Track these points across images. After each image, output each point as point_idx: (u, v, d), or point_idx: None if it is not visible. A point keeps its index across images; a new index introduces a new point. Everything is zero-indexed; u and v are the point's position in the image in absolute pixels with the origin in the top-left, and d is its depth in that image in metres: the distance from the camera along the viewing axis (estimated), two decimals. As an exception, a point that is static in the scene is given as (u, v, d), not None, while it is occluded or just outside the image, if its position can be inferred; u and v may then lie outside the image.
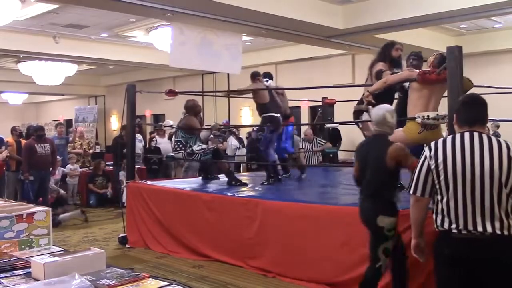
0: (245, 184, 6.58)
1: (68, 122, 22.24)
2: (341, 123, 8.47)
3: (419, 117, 4.46)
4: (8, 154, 6.00)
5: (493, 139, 2.59)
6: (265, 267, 5.00)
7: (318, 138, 9.42)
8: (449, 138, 2.67)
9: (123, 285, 1.73)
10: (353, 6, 9.37)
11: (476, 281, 2.52)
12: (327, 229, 4.55)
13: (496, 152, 2.52)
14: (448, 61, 4.17)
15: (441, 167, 2.59)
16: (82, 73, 17.45)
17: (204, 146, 6.85)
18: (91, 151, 11.57)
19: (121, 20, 10.55)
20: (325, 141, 9.46)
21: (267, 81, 7.12)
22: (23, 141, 8.89)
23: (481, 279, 2.51)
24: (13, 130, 9.13)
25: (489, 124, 10.05)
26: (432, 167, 2.63)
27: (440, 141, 2.69)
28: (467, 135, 2.60)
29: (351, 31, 9.65)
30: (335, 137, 9.58)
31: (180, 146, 6.63)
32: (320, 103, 9.79)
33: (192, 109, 6.92)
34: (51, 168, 8.71)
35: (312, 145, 9.30)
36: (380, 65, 5.20)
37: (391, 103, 4.93)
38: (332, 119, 10.31)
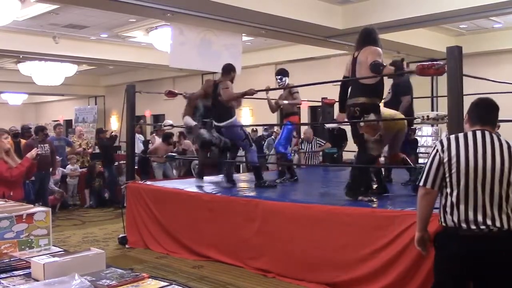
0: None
1: (68, 123, 22.25)
2: (352, 122, 7.51)
3: (419, 117, 4.46)
4: (39, 152, 6.00)
5: (502, 139, 2.71)
6: (265, 267, 4.99)
7: (317, 139, 9.40)
8: (461, 135, 2.76)
9: (123, 286, 1.72)
10: (352, 6, 9.38)
11: (482, 275, 2.60)
12: (327, 229, 4.55)
13: (506, 151, 2.65)
14: (448, 61, 4.16)
15: (453, 160, 2.67)
16: (82, 74, 17.47)
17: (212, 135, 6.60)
18: (90, 151, 11.56)
19: (121, 20, 10.55)
20: (324, 142, 9.45)
21: (280, 79, 6.76)
22: (23, 141, 8.89)
23: (488, 273, 2.59)
24: (9, 131, 9.10)
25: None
26: (445, 160, 2.70)
27: (453, 136, 2.77)
28: (479, 133, 2.72)
29: (351, 31, 9.63)
30: (340, 138, 9.47)
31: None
32: (320, 103, 9.78)
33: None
34: (50, 169, 8.71)
35: (312, 145, 9.28)
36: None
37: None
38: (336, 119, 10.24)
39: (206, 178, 6.94)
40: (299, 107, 12.57)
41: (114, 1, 7.46)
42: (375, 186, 5.52)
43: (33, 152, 5.48)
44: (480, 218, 2.60)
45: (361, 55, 4.80)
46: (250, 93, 6.08)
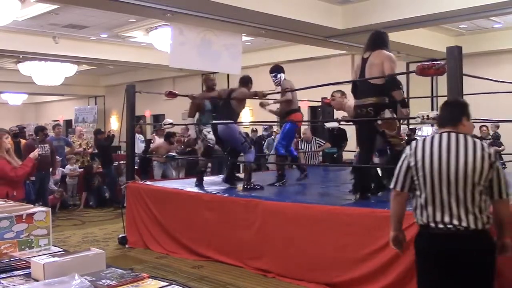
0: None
1: (68, 123, 22.27)
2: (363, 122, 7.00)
3: (418, 117, 4.45)
4: (39, 153, 6.04)
5: (469, 139, 2.73)
6: (265, 267, 4.99)
7: (317, 139, 9.39)
8: (428, 138, 2.83)
9: (123, 286, 1.72)
10: (352, 6, 9.37)
11: (453, 273, 2.66)
12: (327, 229, 4.55)
13: (470, 152, 2.67)
14: (448, 61, 4.16)
15: (419, 164, 2.76)
16: (81, 74, 17.47)
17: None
18: (90, 151, 11.56)
19: (121, 20, 10.56)
20: (324, 141, 9.44)
21: (275, 76, 6.55)
22: (22, 141, 8.89)
23: (458, 271, 2.65)
24: (10, 131, 9.10)
25: (489, 124, 10.13)
26: (411, 164, 2.80)
27: (420, 140, 2.86)
28: (445, 135, 2.77)
29: (351, 31, 9.65)
30: (340, 138, 9.46)
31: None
32: (320, 103, 9.78)
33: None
34: (50, 169, 8.71)
35: (311, 145, 9.28)
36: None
37: None
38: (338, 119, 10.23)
39: (206, 178, 6.95)
40: (299, 106, 12.50)
41: (114, 1, 7.46)
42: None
43: (36, 152, 5.52)
44: (447, 218, 2.67)
45: (374, 57, 4.79)
46: (260, 94, 6.12)
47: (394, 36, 10.05)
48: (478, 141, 2.74)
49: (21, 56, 13.14)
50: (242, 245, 5.25)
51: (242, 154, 6.50)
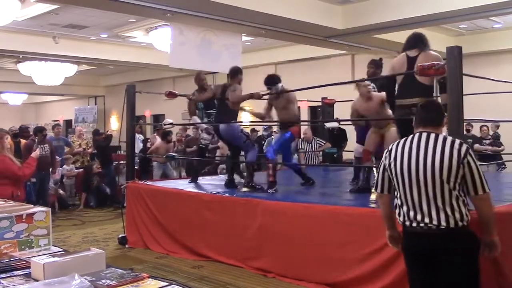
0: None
1: (68, 123, 22.27)
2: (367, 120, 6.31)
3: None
4: (40, 153, 6.10)
5: (440, 137, 2.75)
6: (265, 267, 4.99)
7: (317, 139, 9.39)
8: (402, 140, 2.89)
9: (123, 286, 1.72)
10: (352, 6, 9.38)
11: (431, 270, 2.72)
12: (327, 229, 4.55)
13: (439, 150, 2.69)
14: (448, 61, 4.16)
15: (392, 165, 2.84)
16: (81, 74, 17.46)
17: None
18: (90, 151, 11.56)
19: (120, 20, 10.56)
20: (324, 142, 9.44)
21: (269, 88, 6.02)
22: (22, 141, 8.89)
23: (435, 268, 2.70)
24: (9, 130, 9.10)
25: (489, 124, 10.12)
26: (386, 166, 2.89)
27: (395, 142, 2.92)
28: (417, 135, 2.82)
29: (351, 31, 9.66)
30: (340, 138, 9.46)
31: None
32: (320, 103, 9.78)
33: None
34: (50, 169, 8.71)
35: (312, 145, 9.28)
36: None
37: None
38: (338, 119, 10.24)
39: (205, 178, 6.95)
40: (299, 107, 12.57)
41: (114, 1, 7.46)
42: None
43: (38, 152, 5.55)
44: (419, 217, 2.72)
45: (425, 58, 4.50)
46: (256, 96, 6.03)
47: (394, 36, 10.11)
48: (449, 138, 2.75)
49: (21, 56, 13.13)
50: (242, 245, 5.25)
51: (243, 153, 6.49)
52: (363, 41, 10.51)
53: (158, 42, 11.13)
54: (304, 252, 4.68)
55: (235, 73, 6.24)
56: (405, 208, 2.78)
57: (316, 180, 6.79)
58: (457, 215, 2.65)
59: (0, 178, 5.01)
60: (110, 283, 1.72)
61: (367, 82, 5.77)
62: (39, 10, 9.60)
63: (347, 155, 9.98)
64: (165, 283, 1.75)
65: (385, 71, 6.16)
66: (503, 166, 9.61)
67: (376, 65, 6.23)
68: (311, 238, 4.65)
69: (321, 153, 9.49)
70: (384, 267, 4.09)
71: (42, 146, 8.20)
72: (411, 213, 2.75)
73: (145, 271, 2.04)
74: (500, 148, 9.88)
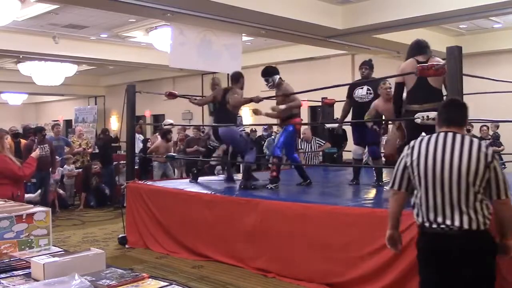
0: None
1: (68, 123, 22.26)
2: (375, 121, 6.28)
3: (419, 117, 4.45)
4: (40, 154, 6.11)
5: (467, 139, 2.71)
6: (265, 267, 4.99)
7: (317, 139, 9.39)
8: (426, 138, 2.82)
9: (123, 286, 1.72)
10: (352, 6, 9.38)
11: (448, 272, 2.67)
12: (327, 229, 4.55)
13: (466, 152, 2.65)
14: (448, 61, 4.16)
15: (415, 164, 2.77)
16: (81, 74, 17.46)
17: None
18: (90, 151, 11.56)
19: (120, 20, 10.56)
20: (324, 141, 9.44)
21: (266, 80, 6.10)
22: (23, 141, 8.89)
23: (452, 270, 2.66)
24: (9, 130, 9.10)
25: (489, 124, 10.13)
26: (408, 164, 2.82)
27: (418, 140, 2.85)
28: (442, 135, 2.77)
29: (351, 31, 9.66)
30: (340, 138, 9.44)
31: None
32: (320, 103, 9.78)
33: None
34: (50, 169, 8.71)
35: (311, 145, 9.28)
36: None
37: None
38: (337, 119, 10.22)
39: (206, 178, 6.96)
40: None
41: (114, 1, 7.46)
42: None
43: (38, 152, 5.56)
44: (440, 219, 2.68)
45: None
46: (256, 100, 6.05)
47: (394, 36, 10.12)
48: (476, 141, 2.72)
49: (21, 56, 13.13)
50: (242, 245, 5.24)
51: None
52: (363, 41, 10.51)
53: (158, 42, 11.13)
54: (304, 252, 4.68)
55: (237, 78, 6.35)
56: (424, 208, 2.73)
57: (316, 180, 6.79)
58: (480, 218, 2.63)
59: (0, 178, 5.01)
60: (110, 283, 1.72)
61: (388, 84, 5.80)
62: (39, 10, 9.59)
63: (347, 155, 9.97)
64: (165, 283, 1.75)
65: (382, 74, 6.21)
66: (503, 166, 9.62)
67: (369, 66, 6.31)
68: (311, 238, 4.65)
69: (321, 153, 9.50)
70: (384, 267, 4.09)
71: (42, 146, 8.20)
72: (431, 215, 2.70)
73: (145, 271, 2.04)
74: (500, 148, 9.88)
